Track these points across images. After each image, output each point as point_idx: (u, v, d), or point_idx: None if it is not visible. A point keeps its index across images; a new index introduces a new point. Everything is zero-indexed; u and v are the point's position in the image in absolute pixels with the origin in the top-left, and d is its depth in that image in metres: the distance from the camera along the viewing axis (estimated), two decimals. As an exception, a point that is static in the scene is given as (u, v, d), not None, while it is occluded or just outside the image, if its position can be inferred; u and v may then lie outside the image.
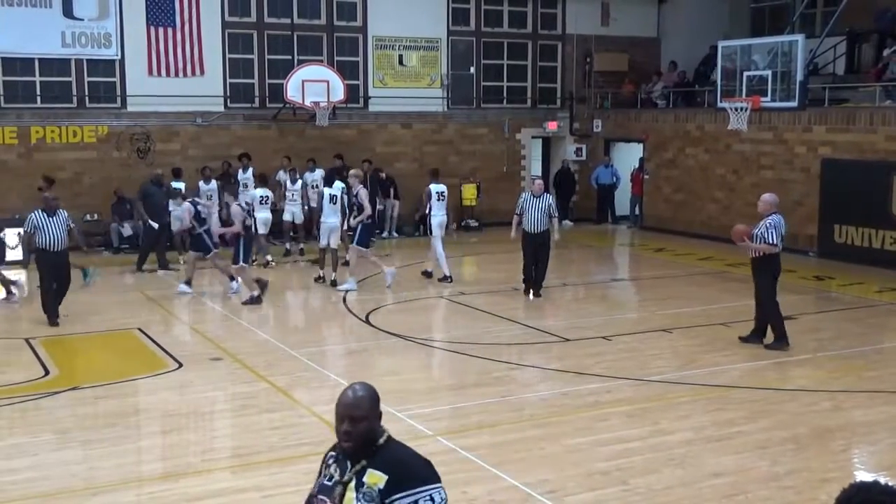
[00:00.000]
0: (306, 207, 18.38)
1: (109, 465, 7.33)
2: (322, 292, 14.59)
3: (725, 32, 21.77)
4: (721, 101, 17.53)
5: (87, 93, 18.99)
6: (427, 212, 15.45)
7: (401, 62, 21.56)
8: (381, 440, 3.46)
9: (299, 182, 18.22)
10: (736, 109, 17.01)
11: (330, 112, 19.49)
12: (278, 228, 18.50)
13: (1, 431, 8.22)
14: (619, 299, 15.03)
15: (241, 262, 13.64)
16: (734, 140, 19.34)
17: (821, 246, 17.66)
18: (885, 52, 18.33)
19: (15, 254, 16.26)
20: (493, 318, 12.63)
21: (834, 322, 12.70)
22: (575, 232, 21.76)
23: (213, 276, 15.29)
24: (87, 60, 18.79)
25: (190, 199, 14.63)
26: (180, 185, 17.39)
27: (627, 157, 23.62)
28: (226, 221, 14.29)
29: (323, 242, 15.05)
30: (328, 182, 15.45)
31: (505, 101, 23.20)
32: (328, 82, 19.28)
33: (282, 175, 18.48)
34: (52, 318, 12.05)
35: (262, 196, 17.09)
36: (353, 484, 3.40)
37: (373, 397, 3.50)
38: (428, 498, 3.34)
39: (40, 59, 18.50)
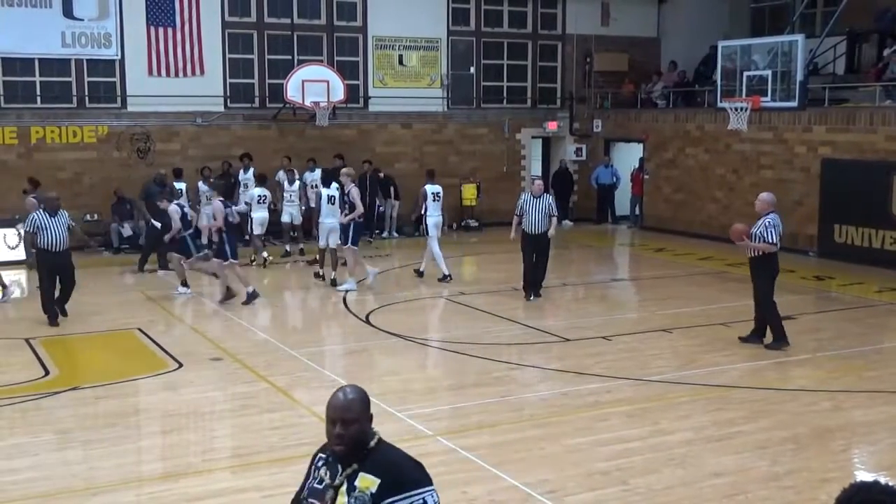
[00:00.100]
0: (304, 208, 18.36)
1: (110, 465, 7.33)
2: (322, 292, 14.59)
3: (725, 32, 21.78)
4: (721, 101, 17.54)
5: (87, 93, 18.99)
6: (423, 212, 15.47)
7: (401, 62, 21.57)
8: (373, 443, 3.43)
9: (297, 182, 18.21)
10: (736, 109, 17.01)
11: (330, 112, 19.49)
12: (277, 229, 18.50)
13: (1, 431, 8.22)
14: (619, 299, 15.03)
15: (231, 259, 13.59)
16: (734, 140, 19.34)
17: (821, 246, 17.66)
18: (886, 52, 18.33)
19: (15, 254, 16.24)
20: (492, 318, 12.63)
21: (834, 322, 12.70)
22: (575, 232, 21.77)
23: (213, 277, 15.27)
24: (87, 60, 18.79)
25: (175, 202, 14.61)
26: (181, 186, 17.39)
27: (627, 157, 23.63)
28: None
29: (322, 243, 15.07)
30: (326, 182, 15.45)
31: (505, 101, 23.20)
32: (328, 82, 19.29)
33: (281, 175, 18.49)
34: (52, 318, 12.05)
35: (259, 195, 17.10)
36: (344, 488, 3.38)
37: (363, 399, 3.47)
38: (420, 501, 3.32)
39: (40, 59, 18.50)
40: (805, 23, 21.19)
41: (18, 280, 15.43)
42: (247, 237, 17.58)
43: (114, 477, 7.07)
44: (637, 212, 22.89)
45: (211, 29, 19.57)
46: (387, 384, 9.56)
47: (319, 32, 20.75)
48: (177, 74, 19.32)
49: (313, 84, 19.09)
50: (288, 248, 18.00)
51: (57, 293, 12.18)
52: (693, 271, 16.55)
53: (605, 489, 6.79)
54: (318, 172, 18.66)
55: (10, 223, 16.67)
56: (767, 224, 10.57)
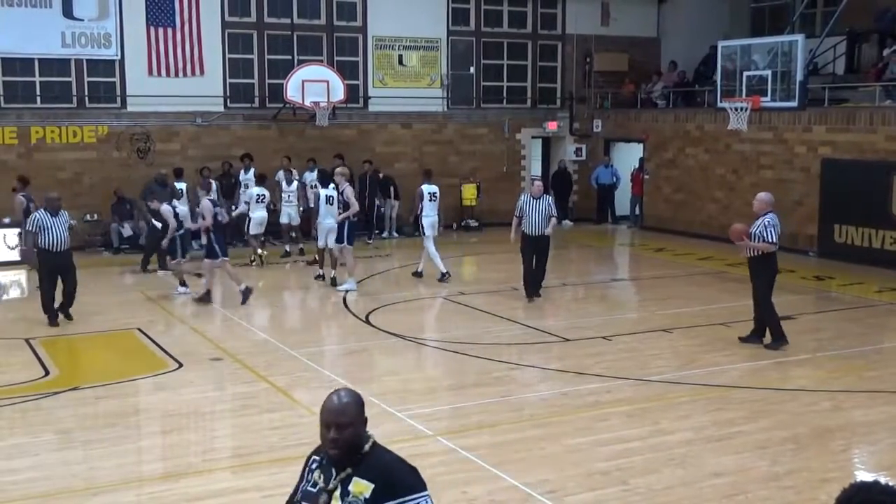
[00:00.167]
0: (302, 209, 18.34)
1: (110, 465, 7.34)
2: (322, 292, 14.59)
3: (725, 32, 21.77)
4: (721, 101, 17.54)
5: (86, 93, 18.99)
6: (419, 212, 15.50)
7: (401, 62, 21.56)
8: (367, 446, 3.41)
9: (295, 183, 18.22)
10: (736, 109, 17.01)
11: (330, 112, 19.49)
12: (277, 229, 18.52)
13: (1, 431, 8.22)
14: (619, 299, 15.03)
15: (223, 257, 13.59)
16: (734, 140, 19.34)
17: (821, 246, 17.66)
18: (885, 52, 18.33)
19: (16, 254, 16.23)
20: (492, 318, 12.63)
21: (834, 322, 12.70)
22: (575, 232, 21.78)
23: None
24: (87, 60, 18.79)
25: (167, 202, 14.60)
26: (182, 186, 17.40)
27: (627, 157, 23.63)
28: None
29: (321, 242, 15.07)
30: (324, 182, 15.47)
31: (505, 101, 23.20)
32: (328, 82, 19.28)
33: (280, 175, 18.48)
34: (52, 318, 12.05)
35: (258, 195, 17.11)
36: (338, 492, 3.35)
37: (358, 403, 3.44)
38: None
39: (40, 60, 18.50)
40: (805, 23, 21.19)
41: (18, 280, 15.43)
42: (245, 237, 17.62)
43: (114, 477, 7.08)
44: (637, 212, 22.89)
45: (211, 29, 19.57)
46: (387, 384, 9.56)
47: (319, 32, 20.74)
48: (177, 74, 19.32)
49: (313, 84, 19.09)
50: (288, 248, 17.99)
51: (60, 296, 12.14)
52: (693, 271, 16.55)
53: (605, 489, 6.80)
54: (316, 172, 18.67)
55: (17, 223, 16.68)
56: (767, 224, 10.57)
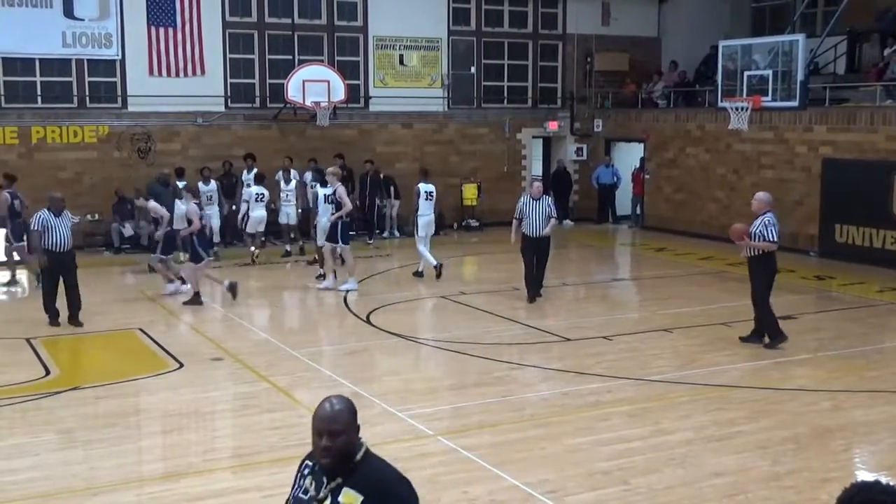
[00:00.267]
0: (301, 210, 18.33)
1: (110, 465, 7.34)
2: (322, 292, 14.57)
3: (726, 32, 21.77)
4: (722, 101, 17.53)
5: (87, 93, 18.99)
6: (415, 210, 15.53)
7: (401, 62, 21.56)
8: (359, 455, 3.36)
9: (293, 182, 18.23)
10: (737, 109, 17.01)
11: (331, 112, 19.48)
12: (277, 229, 18.52)
13: (2, 431, 8.22)
14: (619, 299, 15.03)
15: (207, 259, 13.62)
16: (735, 140, 19.34)
17: (822, 246, 17.66)
18: (886, 52, 18.32)
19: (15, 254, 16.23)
20: (493, 318, 12.63)
21: (835, 322, 12.69)
22: (576, 232, 21.77)
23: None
24: (88, 60, 18.79)
25: (170, 202, 14.60)
26: (183, 185, 17.38)
27: (628, 156, 23.62)
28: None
29: (321, 242, 15.06)
30: (323, 182, 15.47)
31: (505, 100, 23.19)
32: (329, 82, 19.28)
33: (279, 175, 18.48)
34: (53, 318, 12.04)
35: (257, 194, 17.12)
36: (328, 502, 3.33)
37: (351, 410, 3.38)
38: None
39: (41, 59, 18.50)
40: (806, 22, 21.18)
41: (19, 280, 15.43)
42: (242, 234, 17.66)
43: (114, 477, 7.08)
44: (638, 211, 22.89)
45: (211, 29, 19.57)
46: (388, 384, 9.56)
47: (320, 32, 20.75)
48: (177, 74, 19.32)
49: (314, 84, 19.09)
50: (288, 248, 18.00)
51: (66, 307, 12.11)
52: (694, 271, 16.54)
53: (606, 489, 6.79)
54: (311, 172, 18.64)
55: None
56: (767, 223, 10.57)
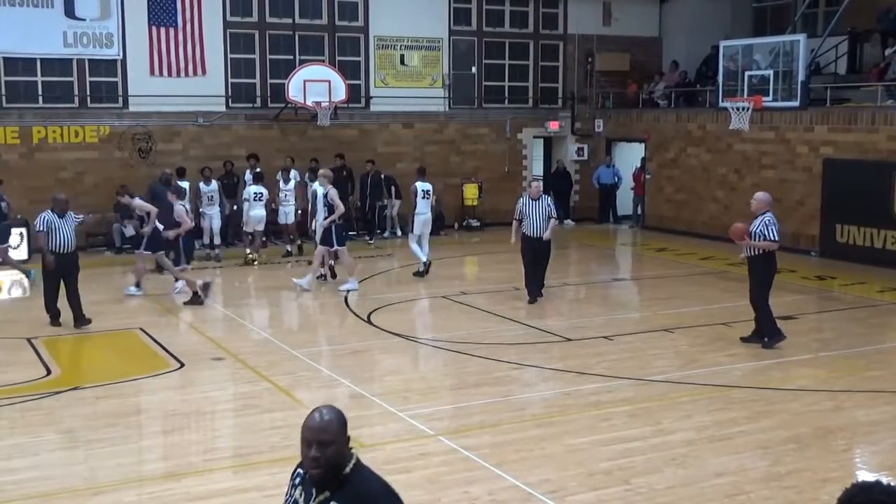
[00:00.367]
0: (299, 211, 18.32)
1: (111, 464, 7.33)
2: (323, 292, 14.57)
3: (727, 32, 21.76)
4: (723, 101, 17.54)
5: (88, 93, 18.99)
6: (413, 209, 15.56)
7: (402, 62, 21.56)
8: (349, 468, 3.30)
9: (292, 182, 18.22)
10: (738, 109, 17.01)
11: (331, 112, 19.48)
12: (277, 228, 18.50)
13: (2, 431, 8.22)
14: (620, 299, 15.02)
15: (183, 264, 13.76)
16: (736, 140, 19.33)
17: (822, 246, 17.65)
18: (887, 52, 18.31)
19: (17, 254, 16.23)
20: (494, 318, 12.63)
21: (836, 322, 12.69)
22: (576, 232, 21.77)
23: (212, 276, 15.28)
24: (89, 60, 18.78)
25: (138, 198, 14.62)
26: (185, 185, 17.38)
27: (629, 156, 23.62)
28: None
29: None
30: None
31: (506, 100, 23.19)
32: (330, 82, 19.28)
33: (278, 174, 18.47)
34: (54, 318, 12.04)
35: (256, 193, 17.12)
36: None
37: (341, 420, 3.33)
38: None
39: (42, 59, 18.50)
40: (807, 22, 21.17)
41: (20, 280, 15.42)
42: (245, 236, 17.66)
43: (115, 477, 7.08)
44: (639, 212, 22.88)
45: (212, 29, 19.57)
46: (388, 384, 9.57)
47: (321, 32, 20.75)
48: (178, 74, 19.32)
49: (315, 84, 19.09)
50: (289, 248, 18.01)
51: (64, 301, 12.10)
52: (695, 271, 16.54)
53: (607, 489, 6.79)
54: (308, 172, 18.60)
55: (19, 223, 16.70)
56: (767, 222, 10.58)
